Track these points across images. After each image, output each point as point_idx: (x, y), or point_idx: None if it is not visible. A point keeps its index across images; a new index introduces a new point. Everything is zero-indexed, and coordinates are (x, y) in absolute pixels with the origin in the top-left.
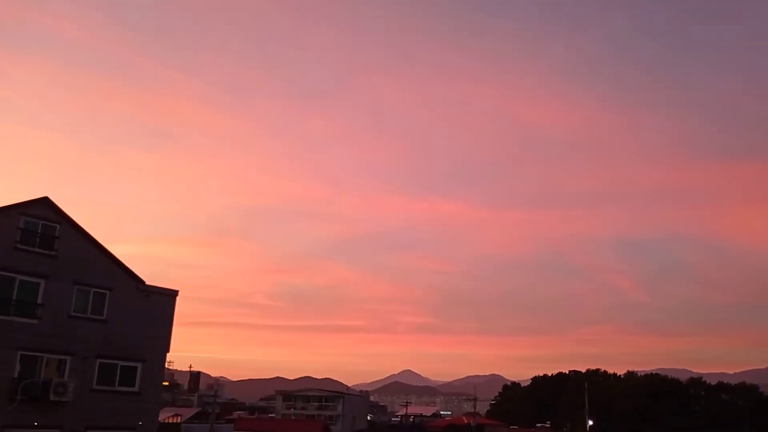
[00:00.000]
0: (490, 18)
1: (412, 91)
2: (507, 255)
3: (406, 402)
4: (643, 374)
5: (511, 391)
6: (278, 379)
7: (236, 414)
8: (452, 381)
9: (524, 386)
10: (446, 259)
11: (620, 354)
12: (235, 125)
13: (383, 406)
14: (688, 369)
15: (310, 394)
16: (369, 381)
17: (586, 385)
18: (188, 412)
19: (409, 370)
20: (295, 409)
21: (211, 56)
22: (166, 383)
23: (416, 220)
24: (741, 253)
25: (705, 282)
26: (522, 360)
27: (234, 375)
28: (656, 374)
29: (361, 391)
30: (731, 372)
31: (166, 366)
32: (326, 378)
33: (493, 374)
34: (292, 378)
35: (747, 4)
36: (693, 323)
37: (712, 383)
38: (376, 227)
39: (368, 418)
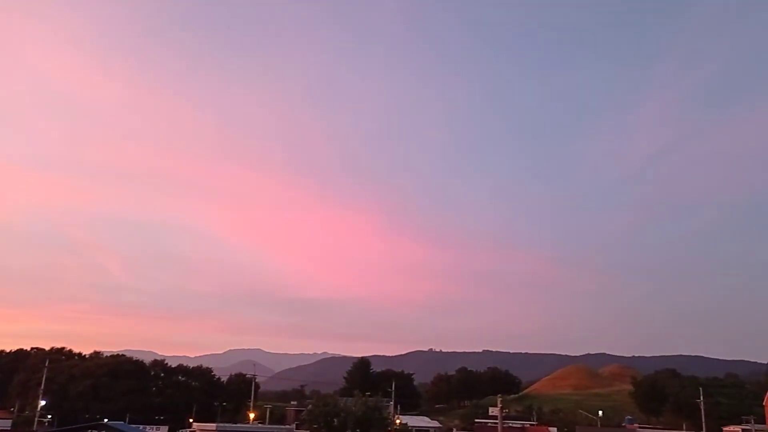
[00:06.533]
0: None
1: None
2: None
3: None
4: (109, 354)
5: None
6: None
7: None
8: None
9: None
10: None
11: (94, 333)
12: None
13: None
14: (155, 351)
15: None
16: None
17: (47, 363)
18: None
19: None
20: None
21: None
22: None
23: None
24: (225, 248)
25: (189, 270)
26: None
27: None
28: (122, 355)
29: None
30: (192, 356)
31: None
32: None
33: None
34: None
35: None
36: (168, 308)
37: (174, 366)
38: None
39: None
